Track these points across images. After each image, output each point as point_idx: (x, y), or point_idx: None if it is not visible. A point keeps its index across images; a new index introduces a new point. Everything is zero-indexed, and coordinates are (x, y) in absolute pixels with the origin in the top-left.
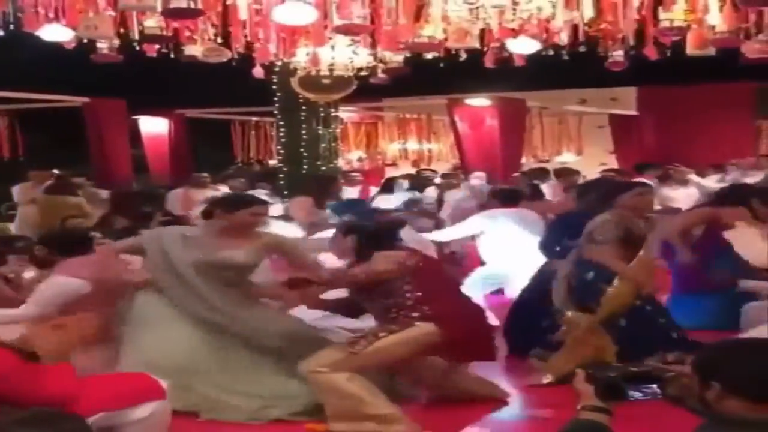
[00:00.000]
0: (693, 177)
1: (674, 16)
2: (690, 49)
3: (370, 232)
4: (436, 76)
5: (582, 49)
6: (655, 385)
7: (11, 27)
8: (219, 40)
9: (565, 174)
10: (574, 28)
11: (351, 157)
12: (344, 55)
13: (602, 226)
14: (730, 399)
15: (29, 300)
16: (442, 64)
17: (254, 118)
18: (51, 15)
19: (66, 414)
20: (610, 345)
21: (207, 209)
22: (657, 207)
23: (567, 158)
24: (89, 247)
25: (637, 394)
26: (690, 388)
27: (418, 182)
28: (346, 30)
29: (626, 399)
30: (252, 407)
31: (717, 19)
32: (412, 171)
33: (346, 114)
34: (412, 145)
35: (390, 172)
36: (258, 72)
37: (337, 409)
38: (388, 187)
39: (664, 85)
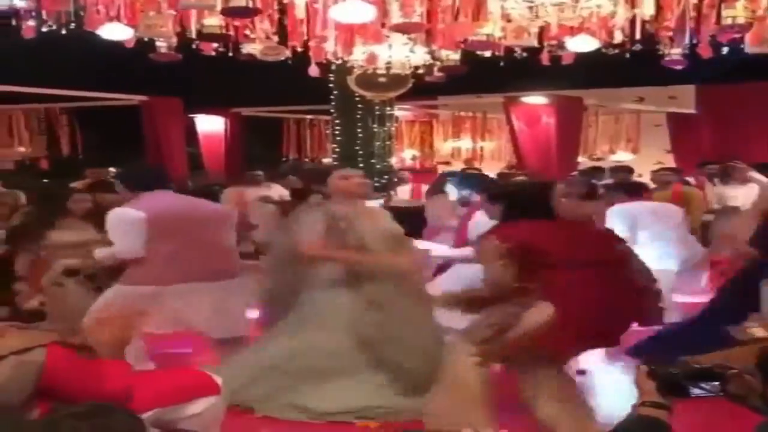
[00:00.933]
0: (754, 174)
1: (736, 13)
2: (750, 46)
3: (518, 199)
4: (491, 74)
5: (640, 47)
6: (716, 383)
7: (72, 25)
8: (276, 38)
9: (620, 172)
10: (633, 26)
11: (405, 155)
12: (401, 53)
13: None
14: None
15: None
16: (501, 63)
17: (309, 116)
18: (112, 13)
19: (119, 408)
20: None
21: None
22: (716, 206)
23: (622, 157)
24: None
25: (698, 392)
26: (752, 386)
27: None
28: (403, 28)
29: (687, 396)
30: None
31: None
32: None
33: (401, 112)
34: (466, 143)
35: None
36: (314, 70)
37: (445, 406)
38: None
39: (723, 83)
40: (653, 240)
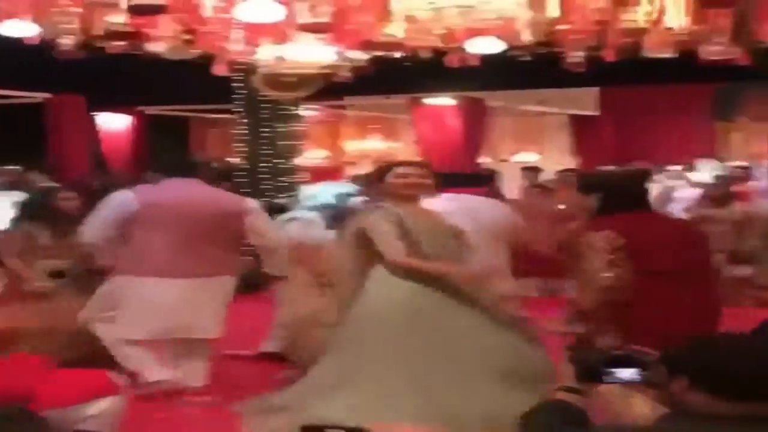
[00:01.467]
0: (654, 176)
1: (636, 17)
2: (649, 50)
3: (617, 189)
4: (399, 75)
5: (543, 50)
6: (634, 370)
7: None
8: (183, 36)
9: (529, 172)
10: (537, 29)
11: (312, 155)
12: (308, 53)
13: None
14: (694, 393)
15: None
16: (407, 63)
17: (215, 116)
18: (14, 9)
19: (21, 412)
20: None
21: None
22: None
23: (527, 158)
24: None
25: (616, 378)
26: (662, 376)
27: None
28: (310, 28)
29: (604, 382)
30: None
31: (676, 20)
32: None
33: (309, 112)
34: (374, 143)
35: (351, 171)
36: (220, 69)
37: None
38: None
39: (624, 86)
40: None
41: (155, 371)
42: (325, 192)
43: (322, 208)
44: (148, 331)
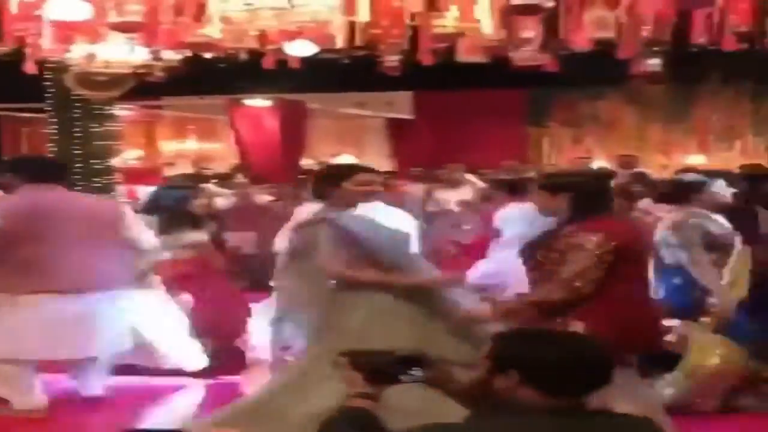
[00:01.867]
0: (468, 178)
1: (447, 23)
2: (461, 56)
3: (591, 191)
4: (216, 76)
5: (360, 53)
6: (419, 369)
7: None
8: None
9: None
10: (351, 32)
11: (128, 155)
12: (121, 53)
13: None
14: (525, 388)
15: None
16: (222, 65)
17: (25, 114)
18: None
19: None
20: None
21: (315, 187)
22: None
23: (345, 160)
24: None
25: (405, 378)
26: (449, 375)
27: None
28: (122, 27)
29: (394, 383)
30: None
31: (489, 27)
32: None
33: (124, 112)
34: (192, 144)
35: (169, 172)
36: (30, 68)
37: None
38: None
39: (438, 90)
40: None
41: (22, 397)
42: (167, 194)
43: (162, 210)
44: (20, 352)
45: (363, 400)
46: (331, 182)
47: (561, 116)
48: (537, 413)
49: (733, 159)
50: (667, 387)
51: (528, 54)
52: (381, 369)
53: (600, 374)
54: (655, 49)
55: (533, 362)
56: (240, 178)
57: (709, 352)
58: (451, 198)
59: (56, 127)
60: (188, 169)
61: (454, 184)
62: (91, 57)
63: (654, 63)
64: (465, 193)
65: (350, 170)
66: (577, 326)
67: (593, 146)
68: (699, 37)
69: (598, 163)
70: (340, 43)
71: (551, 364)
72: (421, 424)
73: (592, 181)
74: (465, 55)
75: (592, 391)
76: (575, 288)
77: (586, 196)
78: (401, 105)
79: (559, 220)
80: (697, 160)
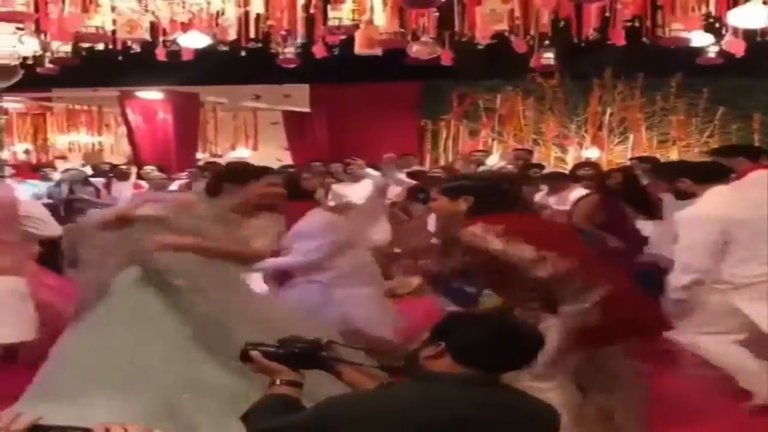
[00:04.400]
0: (367, 171)
1: (342, 15)
2: (358, 49)
3: (492, 192)
4: (108, 68)
5: (255, 45)
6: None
7: None
8: None
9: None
10: (245, 24)
11: (16, 149)
12: (8, 43)
13: None
14: (446, 358)
15: None
16: (119, 57)
17: None
18: None
19: None
20: None
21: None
22: (332, 203)
23: (242, 153)
24: None
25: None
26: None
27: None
28: (9, 17)
29: (319, 366)
30: None
31: (383, 19)
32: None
33: (12, 104)
34: (83, 137)
35: (61, 166)
36: None
37: None
38: None
39: (335, 83)
40: None
41: None
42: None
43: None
44: None
45: (288, 387)
46: (236, 180)
47: (458, 109)
48: (448, 382)
49: (627, 153)
50: None
51: (423, 47)
52: (305, 355)
53: (519, 357)
54: (547, 43)
55: (461, 336)
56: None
57: None
58: (351, 193)
59: None
60: (79, 163)
61: (355, 178)
62: None
63: (548, 56)
64: (365, 188)
65: (260, 171)
66: None
67: (490, 139)
68: (591, 31)
69: (494, 157)
70: (233, 34)
71: (477, 339)
72: (334, 395)
73: (493, 185)
74: (361, 47)
75: (508, 370)
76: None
77: (486, 199)
78: (298, 98)
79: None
80: (592, 153)
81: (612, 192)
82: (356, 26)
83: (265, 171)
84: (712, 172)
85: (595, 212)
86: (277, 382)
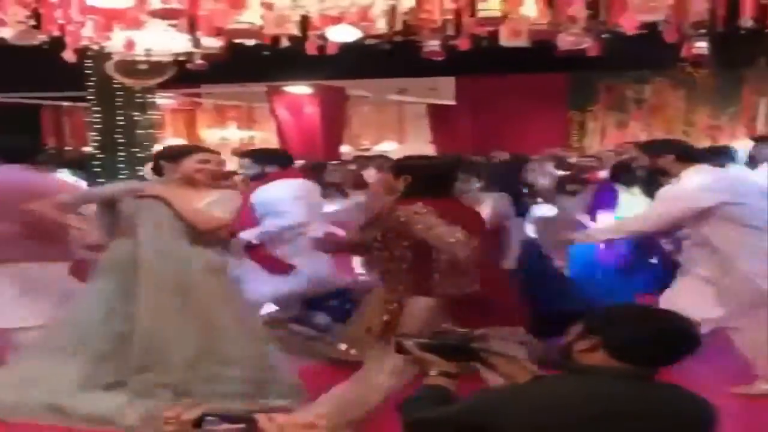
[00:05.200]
0: None
1: (490, 6)
2: (504, 40)
3: (431, 174)
4: (256, 63)
5: (401, 38)
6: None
7: None
8: (31, 22)
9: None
10: (393, 17)
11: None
12: (161, 40)
13: None
14: (600, 352)
15: None
16: (265, 52)
17: (66, 103)
18: None
19: None
20: None
21: (154, 164)
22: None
23: (388, 147)
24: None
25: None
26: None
27: None
28: (163, 14)
29: (473, 359)
30: None
31: (532, 10)
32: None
33: (164, 100)
34: (233, 132)
35: None
36: (69, 56)
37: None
38: None
39: (481, 75)
40: None
41: None
42: None
43: None
44: None
45: (443, 378)
46: (170, 160)
47: (605, 100)
48: (604, 376)
49: None
50: None
51: (572, 38)
52: (459, 347)
53: (678, 353)
54: (702, 32)
55: (618, 331)
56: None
57: None
58: None
59: (99, 116)
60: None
61: None
62: (131, 45)
63: (701, 46)
64: None
65: (190, 150)
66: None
67: (638, 131)
68: (747, 20)
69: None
70: (381, 28)
71: (636, 335)
72: (490, 387)
73: (433, 166)
74: (508, 39)
75: (664, 366)
76: (461, 241)
77: (424, 180)
78: (444, 90)
79: (387, 201)
80: (744, 144)
81: None
82: (503, 18)
83: (197, 149)
84: None
85: None
86: (432, 373)
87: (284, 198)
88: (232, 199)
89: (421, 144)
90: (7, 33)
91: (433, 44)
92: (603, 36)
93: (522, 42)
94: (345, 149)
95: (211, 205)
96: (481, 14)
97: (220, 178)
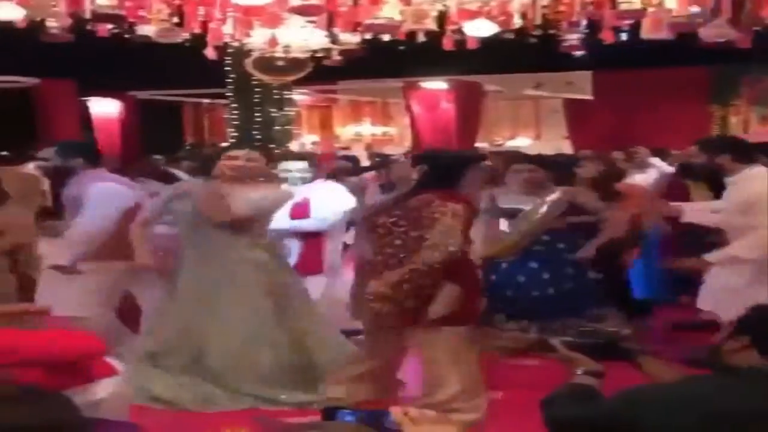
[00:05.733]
0: (652, 160)
1: None
2: (645, 33)
3: (448, 164)
4: (391, 59)
5: (538, 32)
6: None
7: None
8: (174, 20)
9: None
10: (532, 12)
11: (305, 140)
12: (299, 37)
13: None
14: (749, 352)
15: None
16: (401, 47)
17: (206, 100)
18: None
19: (46, 390)
20: None
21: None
22: None
23: (522, 142)
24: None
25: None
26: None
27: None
28: (302, 10)
29: (620, 359)
30: None
31: (674, 2)
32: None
33: (300, 96)
34: (367, 128)
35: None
36: (211, 53)
37: None
38: None
39: (619, 69)
40: None
41: None
42: None
43: None
44: None
45: (589, 377)
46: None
47: (748, 94)
48: (755, 377)
49: None
50: None
51: (717, 30)
52: (606, 346)
53: None
54: None
55: (766, 329)
56: None
57: None
58: (636, 181)
59: (237, 112)
60: (362, 154)
61: (641, 166)
62: (274, 42)
63: None
64: (650, 178)
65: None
66: (452, 289)
67: None
68: None
69: None
70: (518, 22)
71: None
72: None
73: (449, 158)
74: (649, 32)
75: None
76: (450, 251)
77: (438, 171)
78: (580, 85)
79: (405, 190)
80: None
81: None
82: (644, 10)
83: (225, 149)
84: None
85: None
86: (579, 371)
87: None
88: (264, 195)
89: (556, 139)
90: (150, 30)
91: (572, 38)
92: (753, 29)
93: (663, 35)
94: (479, 145)
95: (238, 199)
96: (622, 7)
97: (253, 175)
